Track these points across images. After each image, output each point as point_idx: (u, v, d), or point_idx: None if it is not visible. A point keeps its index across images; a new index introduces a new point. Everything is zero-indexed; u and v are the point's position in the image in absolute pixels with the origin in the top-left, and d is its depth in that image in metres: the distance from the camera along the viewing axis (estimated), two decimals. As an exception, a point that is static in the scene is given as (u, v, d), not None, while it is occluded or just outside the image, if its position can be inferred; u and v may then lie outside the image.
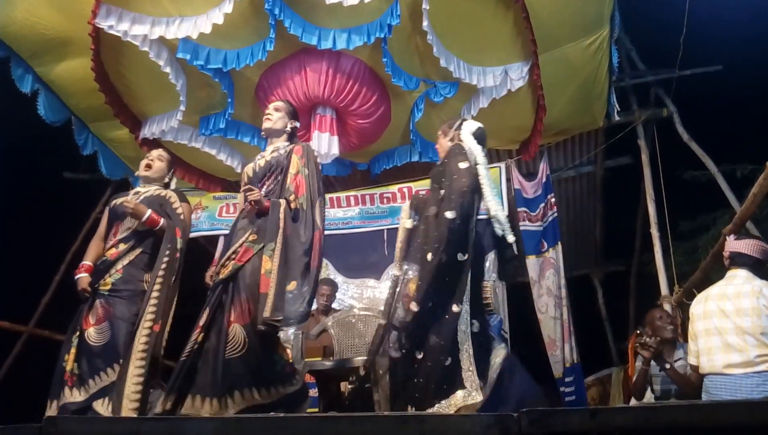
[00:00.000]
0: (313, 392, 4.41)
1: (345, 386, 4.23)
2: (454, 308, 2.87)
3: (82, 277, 3.29)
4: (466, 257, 2.94)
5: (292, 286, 2.87)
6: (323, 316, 4.74)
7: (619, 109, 5.12)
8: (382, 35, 3.99)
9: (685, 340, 3.49)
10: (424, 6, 3.83)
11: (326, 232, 5.71)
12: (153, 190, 3.50)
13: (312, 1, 3.89)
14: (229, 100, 4.68)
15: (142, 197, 3.42)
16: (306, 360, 3.86)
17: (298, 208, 3.05)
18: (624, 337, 7.20)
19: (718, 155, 5.49)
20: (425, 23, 3.94)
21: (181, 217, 3.37)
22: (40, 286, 6.45)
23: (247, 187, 3.12)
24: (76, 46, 4.33)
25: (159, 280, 3.16)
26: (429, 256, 2.94)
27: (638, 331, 3.75)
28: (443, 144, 3.34)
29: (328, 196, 6.24)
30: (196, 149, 5.30)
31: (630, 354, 4.42)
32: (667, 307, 4.88)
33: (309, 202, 3.08)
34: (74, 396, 3.07)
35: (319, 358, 4.05)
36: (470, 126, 3.33)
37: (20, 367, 6.20)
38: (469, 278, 2.96)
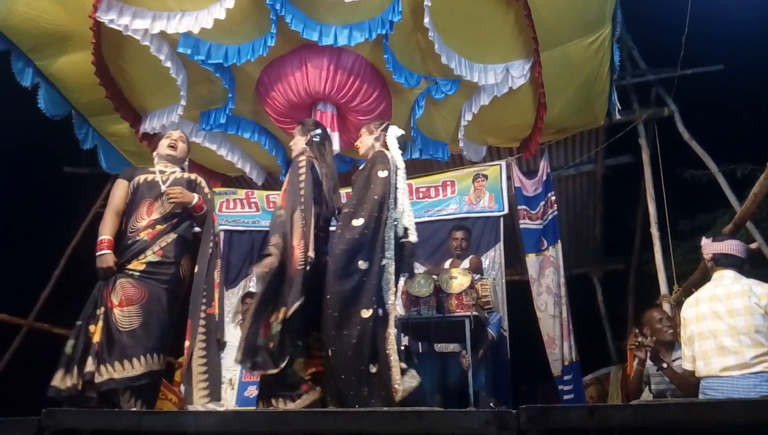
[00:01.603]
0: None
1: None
2: (363, 314, 2.93)
3: (107, 255, 3.14)
4: (367, 265, 3.05)
5: None
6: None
7: (620, 107, 5.10)
8: (384, 32, 3.98)
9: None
10: (425, 3, 3.83)
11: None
12: (178, 172, 3.49)
13: (313, -3, 3.90)
14: (230, 95, 4.67)
15: (171, 179, 3.40)
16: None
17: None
18: (623, 336, 7.20)
19: (719, 155, 5.49)
20: (426, 20, 3.93)
21: (212, 201, 3.55)
22: (40, 279, 6.45)
23: None
24: (76, 40, 4.33)
25: (207, 264, 3.22)
26: (330, 261, 3.10)
27: (636, 331, 3.75)
28: (366, 141, 3.57)
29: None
30: (197, 144, 5.30)
31: (629, 353, 4.43)
32: (666, 306, 4.88)
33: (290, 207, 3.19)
34: (98, 371, 2.93)
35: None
36: (396, 131, 3.57)
37: (20, 360, 6.20)
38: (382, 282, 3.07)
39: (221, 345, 3.16)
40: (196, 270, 3.24)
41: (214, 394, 2.98)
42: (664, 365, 3.37)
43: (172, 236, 3.27)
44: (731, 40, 6.33)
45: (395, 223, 3.24)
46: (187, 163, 3.66)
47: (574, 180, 6.85)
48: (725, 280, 3.09)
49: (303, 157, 3.39)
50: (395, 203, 3.27)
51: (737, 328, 2.92)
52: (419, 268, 5.79)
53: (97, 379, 2.91)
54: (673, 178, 5.74)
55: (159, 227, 3.25)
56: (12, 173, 7.03)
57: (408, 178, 6.06)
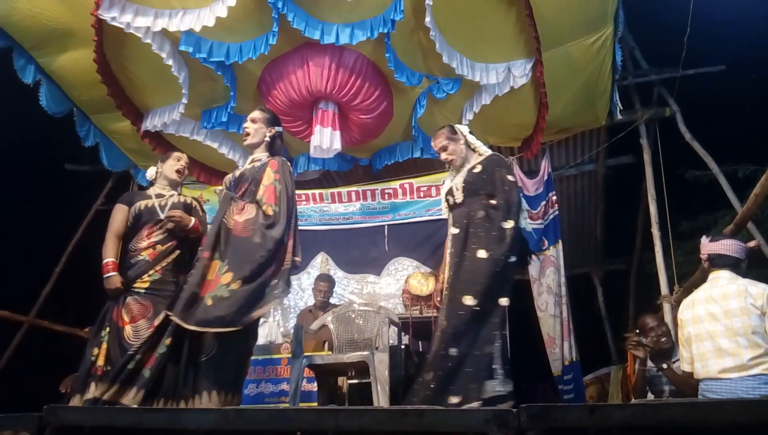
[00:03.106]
0: (312, 386, 4.43)
1: (343, 381, 4.25)
2: (502, 302, 3.05)
3: (114, 277, 3.30)
4: (515, 259, 3.17)
5: (236, 285, 2.90)
6: (321, 312, 4.76)
7: (621, 107, 5.10)
8: (386, 30, 3.98)
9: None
10: (427, 1, 3.82)
11: (327, 227, 5.78)
12: (175, 195, 3.63)
13: (316, -4, 3.89)
14: (232, 93, 4.67)
15: (170, 203, 3.54)
16: (305, 354, 3.87)
17: (272, 214, 3.11)
18: (623, 336, 7.21)
19: (720, 155, 5.49)
20: (428, 19, 3.93)
21: (206, 223, 3.59)
22: (41, 276, 6.46)
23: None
24: (78, 38, 4.33)
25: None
26: (482, 254, 3.07)
27: (636, 331, 3.75)
28: (458, 149, 3.46)
29: (329, 190, 6.26)
30: (198, 142, 5.30)
31: (629, 353, 4.43)
32: (666, 306, 4.88)
33: (283, 212, 3.14)
34: (100, 391, 2.94)
35: (319, 353, 4.07)
36: (465, 129, 3.57)
37: (21, 357, 6.22)
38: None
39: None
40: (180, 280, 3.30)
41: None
42: (664, 366, 3.38)
43: (172, 257, 3.40)
44: (733, 40, 6.33)
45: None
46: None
47: (576, 180, 6.85)
48: (721, 281, 3.09)
49: (282, 160, 3.37)
50: None
51: (734, 330, 2.92)
52: (420, 268, 5.81)
53: (98, 395, 2.93)
54: (674, 179, 5.75)
55: (159, 248, 3.40)
56: (13, 170, 7.05)
57: (409, 177, 6.13)
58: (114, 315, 3.23)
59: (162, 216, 3.44)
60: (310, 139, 4.69)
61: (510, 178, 3.27)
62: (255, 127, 3.42)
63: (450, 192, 3.40)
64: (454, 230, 3.27)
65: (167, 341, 2.83)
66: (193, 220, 3.46)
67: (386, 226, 6.09)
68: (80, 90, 4.87)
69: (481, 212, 3.19)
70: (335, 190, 6.28)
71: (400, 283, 5.76)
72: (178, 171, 3.68)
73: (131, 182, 6.32)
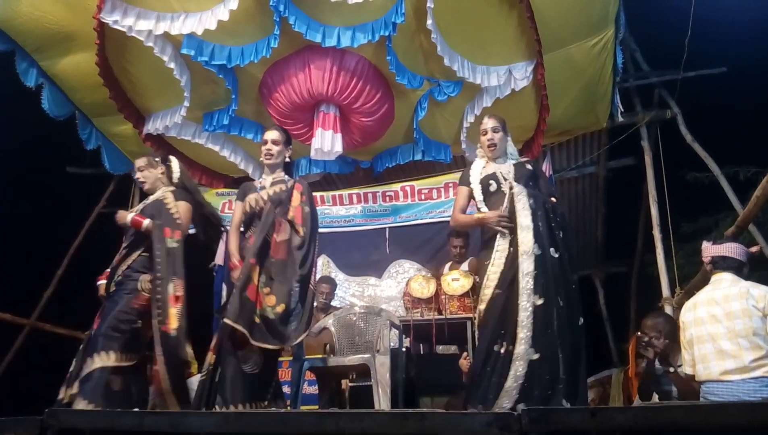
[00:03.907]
0: (313, 389, 4.43)
1: (345, 384, 4.25)
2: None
3: (100, 285, 3.48)
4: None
5: (281, 308, 3.11)
6: (322, 314, 4.75)
7: (622, 110, 5.10)
8: (387, 33, 3.99)
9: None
10: (428, 4, 3.83)
11: (329, 230, 5.81)
12: (158, 194, 3.60)
13: (317, -1, 3.90)
14: (233, 96, 4.69)
15: (144, 206, 3.55)
16: (307, 357, 3.87)
17: (302, 236, 3.30)
18: (624, 338, 7.20)
19: (722, 157, 5.48)
20: (429, 22, 3.94)
21: (175, 215, 3.44)
22: (43, 279, 6.47)
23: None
24: (80, 41, 4.34)
25: (157, 281, 3.23)
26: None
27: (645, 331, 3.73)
28: (505, 141, 3.41)
29: (330, 193, 6.26)
30: (200, 145, 5.31)
31: (630, 355, 4.42)
32: (668, 308, 4.88)
33: (308, 235, 3.33)
34: (63, 395, 3.15)
35: (320, 356, 4.06)
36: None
37: (22, 359, 6.22)
38: None
39: (184, 364, 3.23)
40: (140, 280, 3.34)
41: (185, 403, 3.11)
42: (671, 369, 3.36)
43: (134, 256, 3.41)
44: (734, 42, 6.33)
45: None
46: (172, 174, 3.68)
47: (577, 182, 6.85)
48: (723, 283, 3.09)
49: (306, 183, 3.56)
50: None
51: (736, 331, 2.91)
52: (421, 270, 5.81)
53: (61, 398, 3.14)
54: (675, 181, 5.74)
55: (123, 252, 3.46)
56: (15, 173, 7.05)
57: (410, 180, 6.13)
58: (95, 321, 3.34)
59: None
60: (311, 142, 4.70)
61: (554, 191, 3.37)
62: (278, 149, 3.50)
63: (491, 177, 3.29)
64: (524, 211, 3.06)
65: (213, 356, 3.08)
66: (128, 216, 3.43)
67: (387, 229, 6.09)
68: (82, 93, 4.89)
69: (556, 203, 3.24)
70: (336, 193, 6.29)
71: (401, 285, 5.75)
72: (140, 181, 3.65)
73: (133, 185, 6.33)
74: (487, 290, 3.01)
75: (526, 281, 2.87)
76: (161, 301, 3.17)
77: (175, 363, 3.13)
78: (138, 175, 3.65)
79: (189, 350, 3.30)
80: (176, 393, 3.09)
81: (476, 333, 3.02)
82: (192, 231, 6.43)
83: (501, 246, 3.05)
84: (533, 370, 2.77)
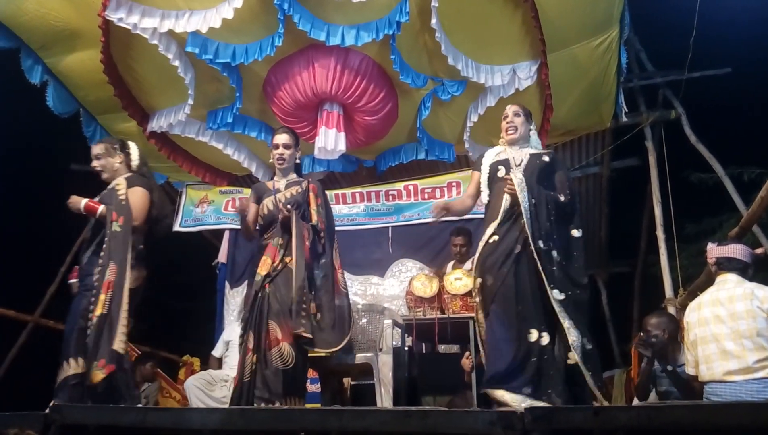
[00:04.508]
0: (316, 387, 4.43)
1: (347, 381, 4.25)
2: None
3: (73, 282, 3.45)
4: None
5: (319, 316, 3.24)
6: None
7: (626, 110, 5.09)
8: (391, 32, 3.99)
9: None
10: (432, 3, 3.83)
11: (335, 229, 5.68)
12: (112, 184, 3.43)
13: (321, -3, 3.90)
14: (237, 94, 4.69)
15: (102, 195, 3.40)
16: (309, 355, 3.87)
17: (323, 244, 3.40)
18: (627, 338, 7.18)
19: (726, 158, 5.47)
20: (434, 21, 3.93)
21: (123, 201, 3.27)
22: (46, 276, 6.48)
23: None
24: (85, 38, 4.35)
25: (98, 268, 3.10)
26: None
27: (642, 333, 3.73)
28: (523, 127, 3.40)
29: (333, 192, 6.26)
30: (203, 143, 5.32)
31: (633, 356, 4.41)
32: (671, 309, 4.87)
33: (328, 238, 3.43)
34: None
35: (322, 354, 4.06)
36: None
37: (26, 356, 6.23)
38: None
39: (114, 352, 2.95)
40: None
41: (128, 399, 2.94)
42: (669, 367, 3.36)
43: (90, 249, 3.29)
44: (739, 43, 6.32)
45: None
46: (126, 163, 3.48)
47: (580, 182, 6.83)
48: (728, 284, 3.09)
49: (320, 184, 3.64)
50: None
51: (740, 332, 2.91)
52: (424, 269, 5.81)
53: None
54: (679, 181, 5.73)
55: (85, 246, 3.35)
56: (19, 170, 7.07)
57: (413, 179, 6.13)
58: None
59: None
60: (314, 141, 4.70)
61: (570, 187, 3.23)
62: (290, 152, 3.55)
63: (503, 162, 3.28)
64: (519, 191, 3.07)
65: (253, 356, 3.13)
66: (82, 202, 3.28)
67: (390, 228, 6.09)
68: (87, 90, 4.90)
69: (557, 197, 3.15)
70: (339, 192, 6.29)
71: (403, 284, 5.75)
72: (97, 169, 3.47)
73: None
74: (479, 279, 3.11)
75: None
76: (97, 287, 3.04)
77: (92, 353, 2.93)
78: (95, 163, 3.44)
79: (119, 341, 2.94)
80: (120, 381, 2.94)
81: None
82: (192, 229, 6.43)
83: (488, 234, 3.13)
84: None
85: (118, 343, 2.94)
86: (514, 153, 3.32)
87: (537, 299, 2.94)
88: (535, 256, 2.93)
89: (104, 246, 3.13)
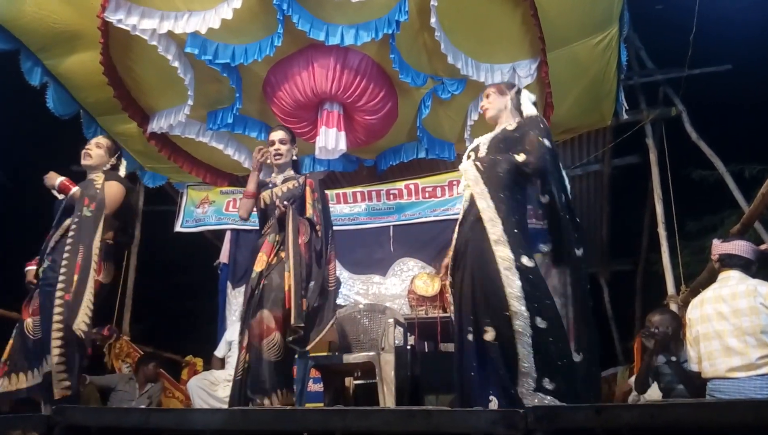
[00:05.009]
0: (318, 387, 4.43)
1: (350, 381, 4.25)
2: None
3: (29, 270, 3.27)
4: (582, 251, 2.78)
5: (304, 305, 3.13)
6: (328, 312, 4.76)
7: (627, 108, 5.09)
8: (390, 31, 3.99)
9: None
10: (432, 2, 3.83)
11: (333, 228, 5.75)
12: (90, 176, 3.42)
13: (320, -3, 3.90)
14: (237, 95, 4.69)
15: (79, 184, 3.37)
16: (311, 355, 3.88)
17: (320, 238, 3.35)
18: (630, 336, 7.18)
19: (727, 155, 5.47)
20: (433, 19, 3.93)
21: (98, 190, 3.27)
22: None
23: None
24: (85, 40, 4.35)
25: (66, 247, 3.07)
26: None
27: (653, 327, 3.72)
28: (497, 102, 3.05)
29: (334, 191, 6.27)
30: (204, 144, 5.32)
31: (636, 353, 4.41)
32: (673, 306, 4.87)
33: (322, 232, 3.38)
34: (6, 385, 2.99)
35: (325, 353, 4.07)
36: (530, 96, 3.06)
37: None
38: None
39: (74, 333, 2.95)
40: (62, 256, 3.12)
41: (73, 387, 2.93)
42: (672, 359, 3.36)
43: (56, 237, 3.22)
44: (739, 40, 6.29)
45: None
46: (113, 165, 3.51)
47: (581, 180, 6.83)
48: (731, 281, 3.09)
49: (318, 179, 3.61)
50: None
51: (742, 329, 2.91)
52: (425, 268, 5.81)
53: (7, 388, 2.99)
54: (680, 179, 5.73)
55: (52, 232, 3.26)
56: (20, 171, 7.07)
57: (414, 178, 6.13)
58: (23, 307, 3.18)
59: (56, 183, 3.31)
60: (315, 140, 4.70)
61: (545, 142, 2.77)
62: (286, 148, 3.53)
63: (475, 148, 3.03)
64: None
65: (246, 354, 3.10)
66: (59, 179, 3.28)
67: (391, 227, 6.10)
68: (87, 92, 4.90)
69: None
70: (340, 191, 6.29)
71: (405, 283, 5.76)
72: (84, 155, 3.46)
73: (138, 184, 6.34)
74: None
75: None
76: (67, 267, 3.02)
77: (70, 334, 2.94)
78: (92, 148, 3.47)
79: (81, 322, 2.95)
80: (68, 365, 2.92)
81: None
82: (194, 229, 6.42)
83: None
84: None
85: (79, 324, 2.96)
86: (485, 137, 3.06)
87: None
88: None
89: (73, 229, 3.12)
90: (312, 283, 3.23)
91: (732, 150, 5.69)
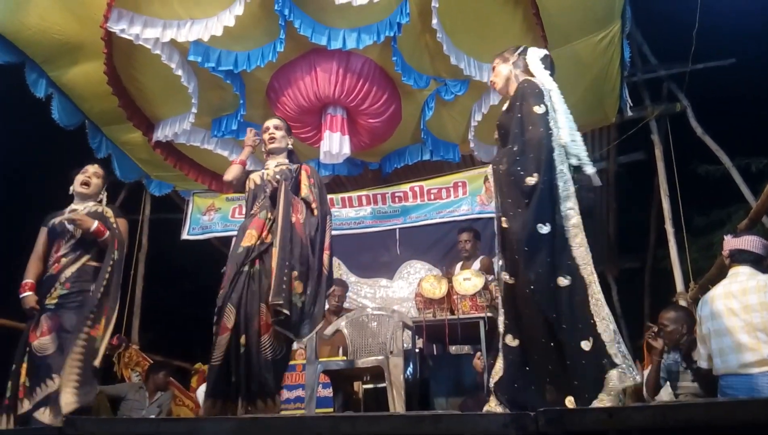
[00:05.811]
0: (328, 392, 4.43)
1: (359, 386, 4.25)
2: (560, 282, 2.36)
3: (29, 296, 3.32)
4: (549, 228, 2.40)
5: (304, 297, 2.97)
6: (334, 317, 4.76)
7: (631, 104, 5.07)
8: (392, 34, 3.99)
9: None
10: (433, 4, 3.83)
11: (339, 232, 5.76)
12: (90, 206, 3.52)
13: (321, 2, 3.89)
14: (241, 101, 4.70)
15: (84, 213, 3.45)
16: (320, 360, 3.88)
17: (316, 215, 3.18)
18: (639, 334, 7.15)
19: (733, 149, 5.44)
20: (435, 21, 3.93)
21: (117, 231, 3.43)
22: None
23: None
24: (88, 51, 4.37)
25: (101, 289, 3.22)
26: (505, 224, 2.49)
27: (650, 325, 3.70)
28: (502, 71, 2.91)
29: (339, 195, 6.27)
30: (209, 151, 5.33)
31: (645, 351, 4.39)
32: (682, 303, 4.84)
33: (322, 216, 3.22)
34: (24, 406, 3.05)
35: (334, 358, 4.06)
36: (537, 52, 2.89)
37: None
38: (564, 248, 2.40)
39: (95, 370, 3.11)
40: (91, 289, 3.27)
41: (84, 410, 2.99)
42: (694, 366, 3.30)
43: (75, 266, 3.33)
44: (742, 34, 6.27)
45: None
46: (103, 196, 3.62)
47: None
48: (740, 277, 3.06)
49: (313, 167, 3.52)
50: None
51: (753, 325, 2.89)
52: (432, 270, 5.80)
53: (22, 410, 3.02)
54: (686, 174, 5.71)
55: (64, 260, 3.34)
56: (26, 184, 7.10)
57: (419, 180, 6.13)
58: (30, 332, 3.25)
59: (69, 228, 3.39)
60: (319, 145, 4.70)
61: (537, 109, 2.60)
62: (280, 133, 3.46)
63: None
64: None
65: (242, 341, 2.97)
66: (95, 222, 3.33)
67: (397, 230, 6.09)
68: (91, 102, 4.92)
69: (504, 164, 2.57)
70: (346, 195, 6.29)
71: (412, 286, 5.75)
72: (83, 183, 3.56)
73: (144, 193, 6.37)
74: None
75: None
76: (99, 307, 3.18)
77: (89, 367, 3.08)
78: (91, 177, 3.58)
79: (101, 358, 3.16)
80: (81, 394, 2.99)
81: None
82: (200, 236, 6.42)
83: None
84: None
85: (98, 361, 3.14)
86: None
87: None
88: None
89: (108, 269, 3.27)
90: (306, 266, 3.00)
91: (738, 144, 5.66)
